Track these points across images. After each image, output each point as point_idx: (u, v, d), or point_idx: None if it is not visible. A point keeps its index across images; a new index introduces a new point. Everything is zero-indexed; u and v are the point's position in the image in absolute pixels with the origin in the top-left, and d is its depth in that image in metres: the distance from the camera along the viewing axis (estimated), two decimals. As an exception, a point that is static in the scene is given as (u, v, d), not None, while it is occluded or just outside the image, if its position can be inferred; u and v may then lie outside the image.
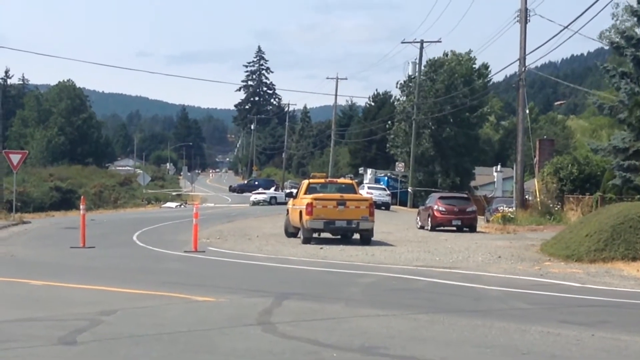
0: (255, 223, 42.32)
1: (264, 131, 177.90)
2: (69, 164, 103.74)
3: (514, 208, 44.04)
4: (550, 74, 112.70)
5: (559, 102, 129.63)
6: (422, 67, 76.39)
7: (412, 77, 78.72)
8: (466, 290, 15.78)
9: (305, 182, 32.15)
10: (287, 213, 32.34)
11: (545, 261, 21.95)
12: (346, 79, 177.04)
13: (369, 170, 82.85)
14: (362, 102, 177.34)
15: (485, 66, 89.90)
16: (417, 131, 75.59)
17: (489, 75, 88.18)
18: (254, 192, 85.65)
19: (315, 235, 29.19)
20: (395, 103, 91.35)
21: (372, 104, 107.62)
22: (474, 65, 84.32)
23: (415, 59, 76.45)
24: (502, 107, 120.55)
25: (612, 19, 53.61)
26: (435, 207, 38.03)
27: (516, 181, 46.11)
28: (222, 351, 9.34)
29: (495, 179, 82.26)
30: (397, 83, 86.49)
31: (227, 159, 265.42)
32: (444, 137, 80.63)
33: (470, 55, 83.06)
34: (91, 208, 64.35)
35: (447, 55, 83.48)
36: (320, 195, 29.22)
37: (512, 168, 54.70)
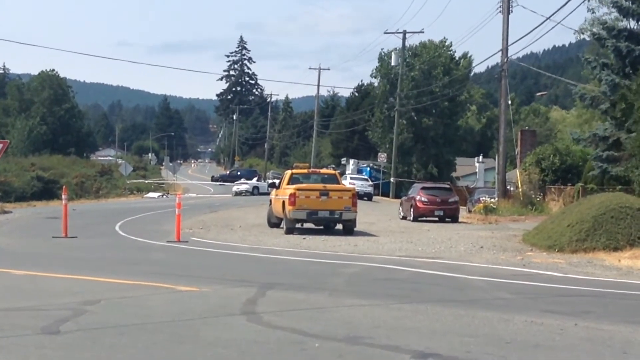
0: (238, 213, 42.26)
1: (246, 121, 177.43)
2: (51, 154, 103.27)
3: (496, 198, 44.19)
4: (532, 64, 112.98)
5: (540, 93, 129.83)
6: (401, 56, 76.24)
7: (395, 66, 78.59)
8: (449, 280, 15.85)
9: (288, 172, 32.14)
10: (270, 203, 32.33)
11: (528, 251, 22.04)
12: (329, 69, 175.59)
13: (352, 161, 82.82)
14: (344, 92, 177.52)
15: (465, 56, 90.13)
16: (399, 121, 75.58)
17: (467, 67, 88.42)
18: (236, 182, 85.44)
19: (298, 225, 29.21)
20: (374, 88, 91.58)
21: (357, 94, 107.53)
22: (452, 54, 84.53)
23: (397, 49, 76.41)
24: (484, 97, 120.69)
25: (588, 11, 53.62)
26: (418, 197, 38.10)
27: (498, 172, 46.23)
28: (206, 341, 9.32)
29: (477, 170, 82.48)
30: (372, 70, 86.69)
31: (209, 149, 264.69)
32: (424, 127, 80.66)
33: (447, 45, 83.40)
34: (73, 198, 64.14)
35: (424, 45, 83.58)
36: (303, 185, 29.23)
37: (494, 159, 54.84)
